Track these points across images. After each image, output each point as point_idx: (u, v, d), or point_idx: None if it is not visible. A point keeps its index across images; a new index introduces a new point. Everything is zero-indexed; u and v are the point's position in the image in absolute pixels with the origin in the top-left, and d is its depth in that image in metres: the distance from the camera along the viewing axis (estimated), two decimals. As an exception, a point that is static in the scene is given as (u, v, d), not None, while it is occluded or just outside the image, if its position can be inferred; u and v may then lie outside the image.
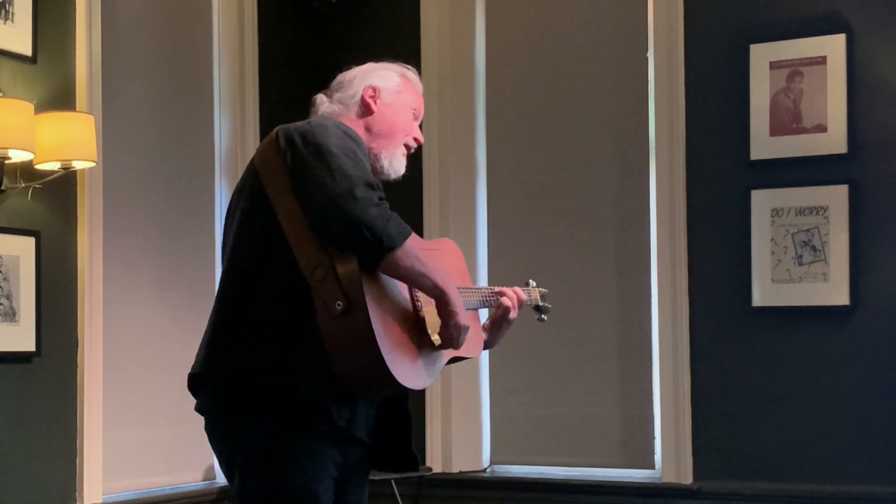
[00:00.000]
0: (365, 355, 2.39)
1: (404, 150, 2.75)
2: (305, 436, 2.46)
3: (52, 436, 3.89)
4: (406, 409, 2.68)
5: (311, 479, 2.46)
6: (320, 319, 2.40)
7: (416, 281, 2.50)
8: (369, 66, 2.78)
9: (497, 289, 2.88)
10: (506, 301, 2.85)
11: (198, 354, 2.58)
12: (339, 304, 2.37)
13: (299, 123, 2.53)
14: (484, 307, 2.87)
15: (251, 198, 2.52)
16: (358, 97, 2.70)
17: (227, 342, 2.50)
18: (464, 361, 2.90)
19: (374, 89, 2.71)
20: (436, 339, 2.57)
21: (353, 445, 2.55)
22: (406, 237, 2.42)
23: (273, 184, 2.48)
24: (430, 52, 4.98)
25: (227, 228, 2.63)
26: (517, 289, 2.93)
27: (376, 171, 2.66)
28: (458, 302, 2.53)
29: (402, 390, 2.50)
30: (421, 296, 2.59)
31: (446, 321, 2.53)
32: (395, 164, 2.71)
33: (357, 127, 2.66)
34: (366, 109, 2.71)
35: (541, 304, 3.13)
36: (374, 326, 2.37)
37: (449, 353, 2.67)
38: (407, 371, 2.46)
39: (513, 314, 2.87)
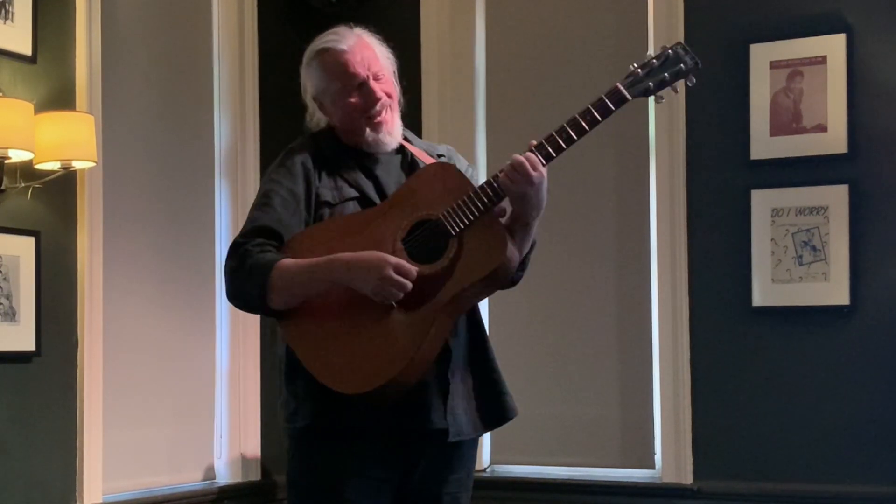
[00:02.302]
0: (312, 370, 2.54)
1: (371, 123, 2.68)
2: (320, 445, 2.61)
3: (52, 436, 3.89)
4: (444, 375, 2.61)
5: (333, 477, 2.58)
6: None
7: (312, 291, 2.51)
8: (302, 71, 2.80)
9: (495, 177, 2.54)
10: (504, 179, 2.55)
11: None
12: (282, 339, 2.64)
13: None
14: (493, 204, 2.55)
15: None
16: (317, 111, 2.77)
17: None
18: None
19: (315, 100, 2.77)
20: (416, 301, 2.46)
21: (406, 437, 2.58)
22: (264, 282, 2.48)
23: None
24: (430, 52, 4.97)
25: None
26: (515, 157, 2.61)
27: (366, 152, 2.71)
28: (357, 274, 2.43)
29: (397, 382, 2.44)
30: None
31: (367, 291, 2.44)
32: (374, 143, 2.69)
33: (335, 128, 2.77)
34: (327, 115, 2.77)
35: (640, 87, 2.62)
36: (301, 356, 2.52)
37: (446, 295, 2.46)
38: (353, 373, 2.45)
39: (524, 186, 2.53)
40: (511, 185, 2.53)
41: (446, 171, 2.65)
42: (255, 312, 2.69)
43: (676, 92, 2.66)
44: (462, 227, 2.49)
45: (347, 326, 2.47)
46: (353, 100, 2.68)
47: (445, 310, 2.49)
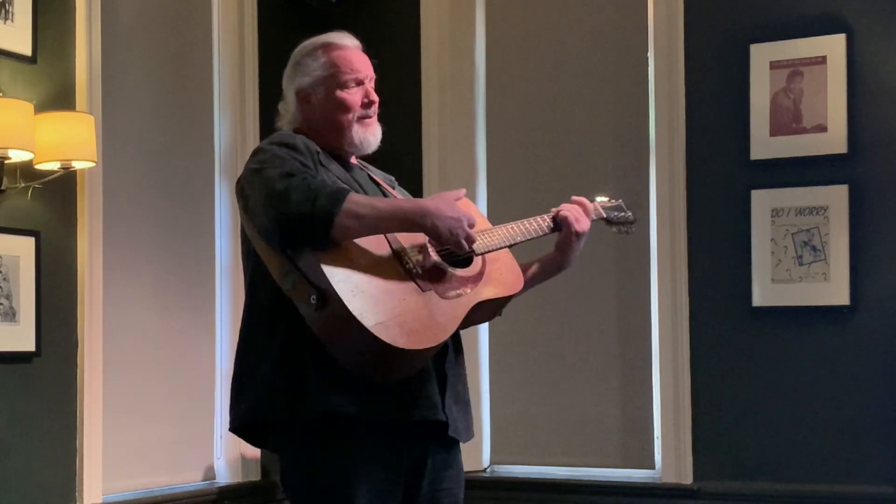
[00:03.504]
0: (356, 338, 2.33)
1: (362, 122, 2.67)
2: (330, 444, 2.46)
3: (52, 436, 3.89)
4: (439, 369, 2.61)
5: (345, 484, 2.46)
6: (308, 321, 2.39)
7: (379, 229, 2.44)
8: (291, 61, 2.72)
9: (551, 212, 2.76)
10: (564, 213, 2.75)
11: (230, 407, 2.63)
12: (312, 299, 2.35)
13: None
14: (525, 239, 2.74)
15: (243, 249, 2.62)
16: (293, 108, 2.69)
17: (243, 387, 2.56)
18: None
19: (300, 92, 2.68)
20: (447, 288, 2.49)
21: (407, 433, 2.53)
22: (342, 199, 2.37)
23: (247, 229, 2.54)
24: (430, 53, 4.97)
25: None
26: (576, 198, 2.81)
27: (349, 153, 2.67)
28: (438, 212, 2.44)
29: (421, 356, 2.41)
30: (403, 243, 2.50)
31: (442, 243, 2.46)
32: (358, 142, 2.67)
33: (309, 129, 2.65)
34: (307, 115, 2.68)
35: (610, 214, 2.98)
36: (349, 306, 2.31)
37: (473, 296, 2.53)
38: (408, 333, 2.37)
39: (578, 226, 2.75)
40: (574, 222, 2.76)
41: (469, 204, 2.72)
42: (308, 227, 2.35)
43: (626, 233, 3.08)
44: (491, 249, 2.62)
45: (399, 290, 2.43)
46: (351, 94, 2.67)
47: (463, 314, 2.54)
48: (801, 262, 4.29)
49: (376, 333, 2.31)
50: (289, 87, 2.71)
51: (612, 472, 4.66)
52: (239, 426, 2.60)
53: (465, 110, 5.01)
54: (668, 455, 4.48)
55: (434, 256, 2.51)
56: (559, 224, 2.77)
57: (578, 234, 2.75)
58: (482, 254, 2.62)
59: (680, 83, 4.51)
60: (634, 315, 4.68)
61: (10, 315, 3.74)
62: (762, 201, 4.35)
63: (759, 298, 4.35)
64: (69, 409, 3.95)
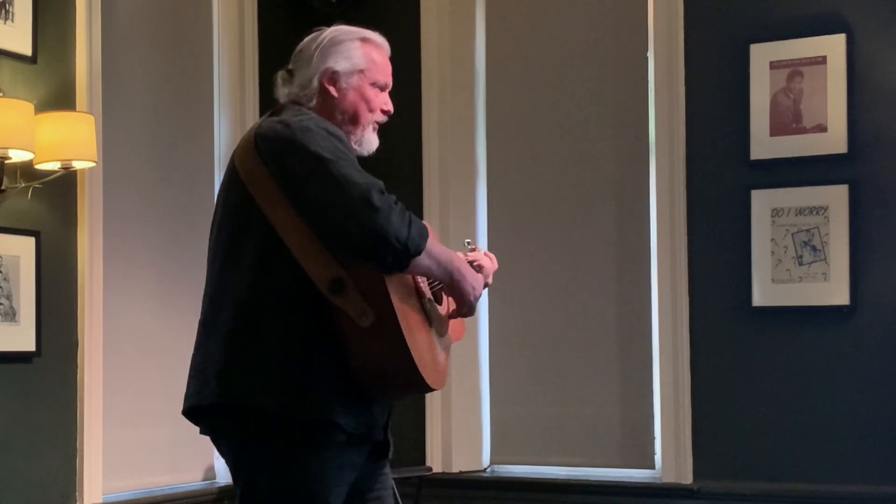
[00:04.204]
0: (399, 365, 2.34)
1: (374, 126, 2.62)
2: (319, 448, 2.38)
3: (52, 436, 3.89)
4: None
5: (324, 487, 2.39)
6: (347, 334, 2.33)
7: (435, 275, 2.47)
8: (328, 37, 2.60)
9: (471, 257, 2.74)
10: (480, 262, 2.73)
11: (203, 383, 2.45)
12: (364, 318, 2.31)
13: (278, 127, 2.40)
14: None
15: (243, 213, 2.42)
16: (316, 83, 2.55)
17: (245, 370, 2.39)
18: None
19: (333, 73, 2.56)
20: (441, 330, 2.58)
21: (369, 445, 2.50)
22: (427, 236, 2.36)
23: (263, 196, 2.38)
24: (430, 53, 4.97)
25: (214, 242, 2.55)
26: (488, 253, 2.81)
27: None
28: (472, 280, 2.51)
29: (429, 391, 2.47)
30: (423, 285, 2.52)
31: (463, 302, 2.51)
32: (364, 143, 2.60)
33: (321, 110, 2.53)
34: (326, 96, 2.56)
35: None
36: (405, 336, 2.32)
37: (449, 340, 2.66)
38: (433, 373, 2.43)
39: (488, 280, 2.73)
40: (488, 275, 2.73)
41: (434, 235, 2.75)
42: (396, 253, 2.30)
43: None
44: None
45: (425, 330, 2.49)
46: (375, 94, 2.62)
47: (448, 353, 2.63)
48: (801, 262, 4.29)
49: (421, 370, 2.35)
50: (318, 62, 2.56)
51: (612, 472, 4.66)
52: (216, 405, 2.45)
53: (465, 110, 5.01)
54: (668, 455, 4.48)
55: (430, 296, 2.56)
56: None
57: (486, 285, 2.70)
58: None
59: (680, 83, 4.51)
60: (634, 315, 4.68)
61: (10, 315, 3.74)
62: (762, 201, 4.35)
63: (759, 298, 4.35)
64: (69, 409, 3.95)
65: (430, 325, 2.52)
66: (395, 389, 2.43)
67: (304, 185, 2.33)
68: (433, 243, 2.42)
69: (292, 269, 2.36)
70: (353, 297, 2.31)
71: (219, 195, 2.55)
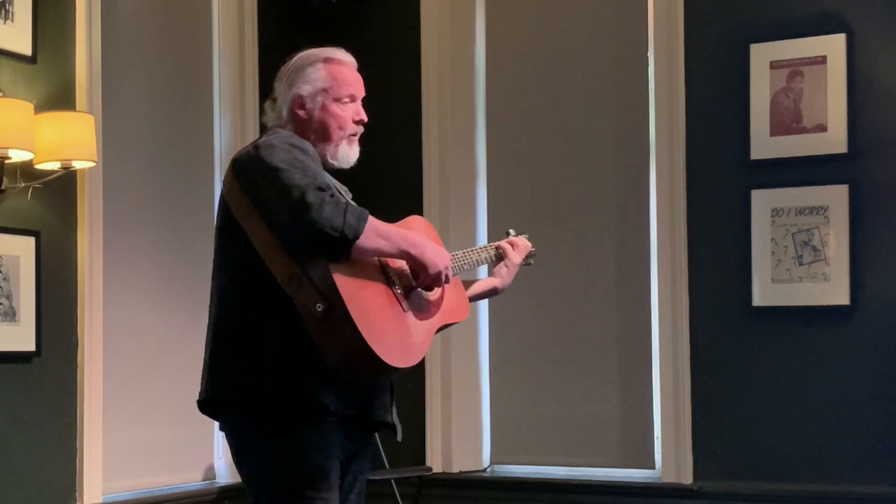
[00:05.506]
0: (354, 346, 2.50)
1: (350, 139, 2.81)
2: (313, 426, 2.60)
3: (52, 436, 3.89)
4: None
5: (325, 457, 2.61)
6: (307, 325, 2.53)
7: (386, 255, 2.63)
8: (292, 66, 2.83)
9: (493, 244, 3.09)
10: (505, 245, 3.08)
11: (202, 379, 2.77)
12: (318, 307, 2.50)
13: (249, 149, 2.66)
14: (474, 266, 3.00)
15: (226, 228, 2.69)
16: (286, 111, 2.79)
17: (229, 365, 2.69)
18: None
19: (299, 98, 2.78)
20: (422, 309, 2.70)
21: (357, 428, 2.72)
22: (365, 220, 2.55)
23: (238, 210, 2.63)
24: (430, 52, 4.97)
25: (214, 258, 2.79)
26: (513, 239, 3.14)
27: (326, 166, 2.77)
28: (431, 254, 2.65)
29: (399, 372, 2.61)
30: (391, 266, 2.68)
31: (425, 279, 2.66)
32: (340, 157, 2.80)
33: (298, 133, 2.76)
34: (297, 120, 2.78)
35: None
36: (355, 319, 2.48)
37: (437, 321, 2.76)
38: (397, 352, 2.57)
39: (515, 257, 3.07)
40: (513, 253, 3.08)
41: (431, 228, 2.94)
42: (334, 242, 2.50)
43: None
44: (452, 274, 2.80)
45: (391, 310, 2.63)
46: (345, 110, 2.80)
47: (432, 336, 2.76)
48: (801, 261, 4.29)
49: (374, 349, 2.49)
50: (285, 91, 2.80)
51: (612, 472, 4.66)
52: (220, 399, 2.71)
53: (465, 110, 5.01)
54: (668, 455, 4.48)
55: (412, 281, 2.70)
56: (501, 255, 3.08)
57: (517, 265, 3.09)
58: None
59: (680, 83, 4.51)
60: (634, 315, 4.68)
61: (10, 315, 3.74)
62: (762, 201, 4.35)
63: (759, 298, 4.35)
64: (69, 409, 3.95)
65: (404, 305, 2.65)
66: (358, 370, 2.56)
67: (259, 194, 2.58)
68: (381, 225, 2.61)
69: (265, 274, 2.59)
70: (306, 290, 2.52)
71: (216, 223, 2.80)
